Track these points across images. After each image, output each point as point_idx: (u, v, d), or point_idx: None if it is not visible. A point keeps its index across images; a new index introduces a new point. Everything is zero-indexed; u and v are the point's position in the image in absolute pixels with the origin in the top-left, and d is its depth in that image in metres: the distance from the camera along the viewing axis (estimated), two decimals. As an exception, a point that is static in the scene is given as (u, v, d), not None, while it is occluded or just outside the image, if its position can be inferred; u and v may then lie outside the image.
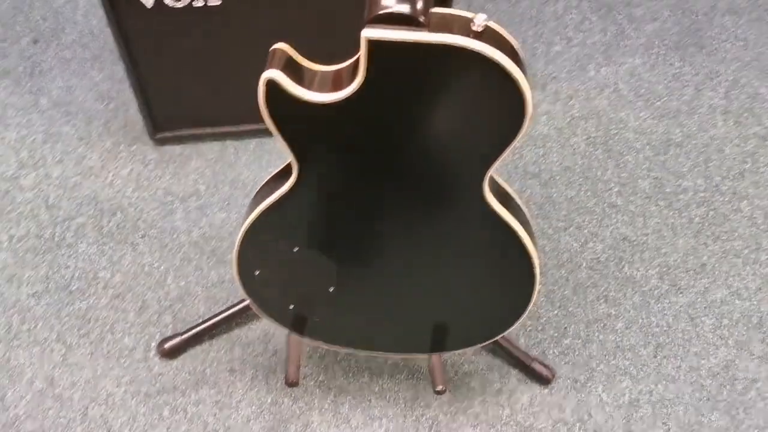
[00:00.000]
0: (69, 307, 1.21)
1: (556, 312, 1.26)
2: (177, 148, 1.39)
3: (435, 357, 1.03)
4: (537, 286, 0.89)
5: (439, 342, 1.00)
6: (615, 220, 1.37)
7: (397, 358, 1.17)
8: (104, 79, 1.46)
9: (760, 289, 1.30)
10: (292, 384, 0.97)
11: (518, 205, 0.88)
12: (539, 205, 1.38)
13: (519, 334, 1.23)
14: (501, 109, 0.71)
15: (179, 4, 1.07)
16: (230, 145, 1.40)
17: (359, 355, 1.11)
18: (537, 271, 0.87)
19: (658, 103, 1.55)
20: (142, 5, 1.06)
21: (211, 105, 1.31)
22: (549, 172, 1.43)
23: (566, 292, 1.28)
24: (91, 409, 1.11)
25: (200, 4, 1.08)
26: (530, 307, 0.92)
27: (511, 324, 0.95)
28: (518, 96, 0.69)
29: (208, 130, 1.37)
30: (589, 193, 1.40)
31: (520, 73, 0.67)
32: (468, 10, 0.69)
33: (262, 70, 0.71)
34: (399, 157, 0.76)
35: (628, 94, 1.56)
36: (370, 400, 1.14)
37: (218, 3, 1.09)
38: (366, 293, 0.93)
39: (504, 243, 0.84)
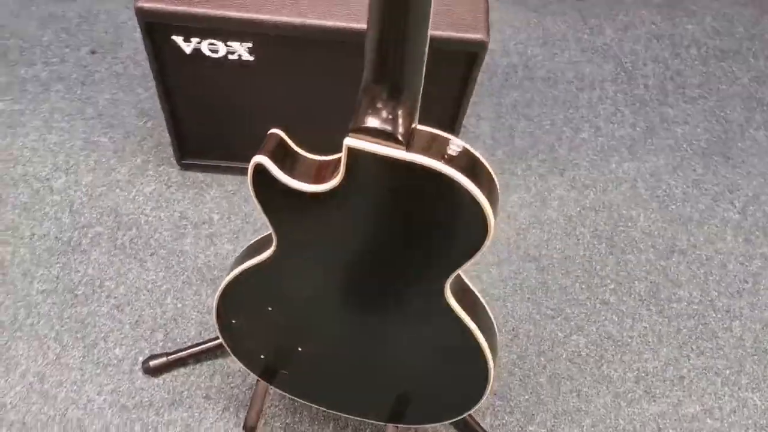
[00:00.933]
0: (71, 310, 1.29)
1: (527, 397, 1.29)
2: (200, 175, 1.47)
3: (391, 427, 1.08)
4: (489, 385, 0.93)
5: (395, 414, 1.05)
6: (603, 317, 1.40)
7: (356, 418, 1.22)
8: (148, 97, 1.56)
9: (734, 411, 1.31)
10: (249, 429, 1.03)
11: (484, 309, 0.92)
12: (532, 289, 1.42)
13: (486, 412, 1.27)
14: (464, 228, 0.75)
15: (215, 55, 1.15)
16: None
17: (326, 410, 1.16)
18: (491, 373, 0.92)
19: (673, 207, 1.57)
20: (182, 51, 1.15)
21: (236, 142, 1.38)
22: (549, 258, 1.46)
23: (541, 380, 1.32)
24: (70, 411, 1.18)
25: (235, 57, 1.16)
26: (482, 401, 0.96)
27: (463, 413, 1.00)
28: (481, 219, 0.73)
29: (232, 163, 1.45)
30: (583, 286, 1.43)
31: (485, 199, 0.72)
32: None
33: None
34: (368, 250, 0.81)
35: (645, 193, 1.59)
36: (329, 451, 1.20)
37: (251, 59, 1.16)
38: (331, 358, 0.99)
39: (461, 341, 0.89)
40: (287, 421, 1.22)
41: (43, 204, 1.40)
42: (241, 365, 1.24)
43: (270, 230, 0.84)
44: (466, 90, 1.26)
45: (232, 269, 0.93)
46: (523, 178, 1.58)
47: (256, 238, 0.95)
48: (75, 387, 1.21)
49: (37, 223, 1.38)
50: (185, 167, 1.46)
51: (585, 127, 1.68)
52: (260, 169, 0.77)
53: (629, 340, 1.38)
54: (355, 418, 1.08)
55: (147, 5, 1.06)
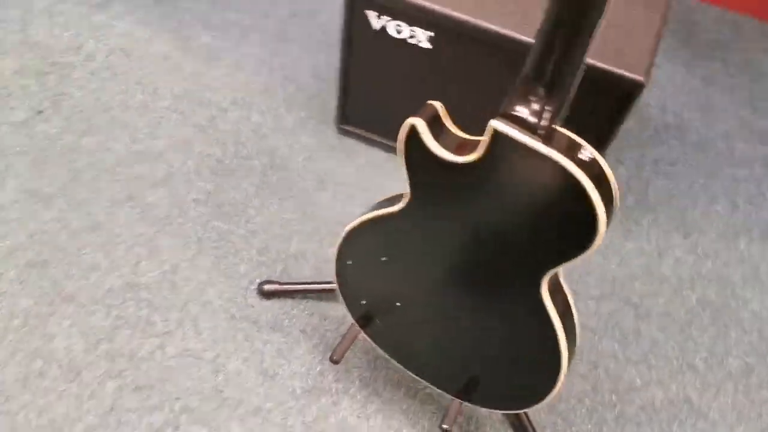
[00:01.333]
0: (214, 222, 1.47)
1: (590, 427, 1.34)
2: (353, 142, 1.62)
3: (456, 404, 1.17)
4: (556, 388, 1.00)
5: (464, 391, 1.14)
6: (687, 379, 1.41)
7: (430, 391, 1.31)
8: (326, 63, 1.73)
9: None
10: (334, 361, 1.15)
11: (572, 315, 0.99)
12: (624, 331, 1.45)
13: (546, 427, 1.32)
14: (575, 230, 0.83)
15: (398, 36, 1.29)
16: (395, 159, 1.60)
17: (402, 369, 1.26)
18: (561, 376, 0.98)
19: (791, 299, 1.56)
20: (371, 25, 1.29)
21: (394, 120, 1.51)
22: (648, 309, 1.49)
23: (608, 416, 1.35)
24: (190, 305, 1.36)
25: (414, 42, 1.29)
26: (544, 402, 1.03)
27: (523, 407, 1.07)
28: (593, 226, 0.80)
29: (384, 139, 1.58)
30: (675, 345, 1.45)
31: (603, 209, 0.80)
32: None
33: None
34: (482, 227, 0.91)
35: (766, 279, 1.58)
36: (394, 412, 1.29)
37: (429, 47, 1.29)
38: (423, 321, 1.09)
39: (543, 337, 0.96)
40: (365, 374, 1.33)
41: (216, 129, 1.60)
42: (340, 311, 1.37)
43: (405, 190, 0.96)
44: (614, 128, 1.33)
45: (363, 214, 1.05)
46: (646, 229, 1.62)
47: (391, 195, 1.07)
48: (200, 286, 1.39)
49: (207, 144, 1.58)
50: (342, 132, 1.61)
51: (722, 200, 1.69)
52: (413, 130, 0.89)
53: (707, 410, 1.38)
54: (428, 385, 1.18)
55: (357, -21, 1.23)
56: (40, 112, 1.57)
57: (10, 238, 1.39)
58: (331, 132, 1.63)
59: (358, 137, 1.61)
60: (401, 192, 1.01)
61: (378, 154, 1.62)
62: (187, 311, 1.35)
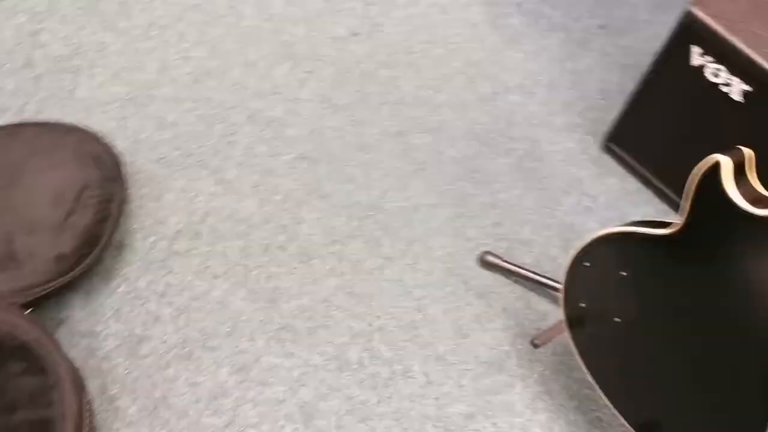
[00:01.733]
0: (462, 183, 1.58)
1: None
2: (612, 163, 1.64)
3: (629, 432, 1.19)
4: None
5: (644, 426, 1.15)
6: None
7: (603, 417, 1.33)
8: (616, 83, 1.75)
9: None
10: (535, 345, 1.21)
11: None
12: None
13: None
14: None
15: (710, 78, 1.29)
16: (646, 193, 1.60)
17: (589, 381, 1.28)
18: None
19: None
20: (687, 59, 1.30)
21: (666, 160, 1.51)
22: None
23: None
24: (416, 243, 1.48)
25: (725, 90, 1.28)
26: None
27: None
28: None
29: (645, 171, 1.58)
30: None
31: None
32: None
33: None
34: (747, 287, 0.91)
35: None
36: (560, 419, 1.32)
37: (740, 100, 1.27)
38: (632, 344, 1.11)
39: (751, 420, 0.96)
40: (546, 372, 1.37)
41: (494, 103, 1.70)
42: (544, 307, 1.43)
43: (677, 219, 0.97)
44: None
45: (617, 227, 1.09)
46: None
47: (653, 219, 1.09)
48: (430, 232, 1.50)
49: (481, 112, 1.68)
50: (606, 149, 1.64)
51: None
52: (715, 167, 0.91)
53: None
54: (606, 403, 1.20)
55: (699, 14, 1.24)
56: (356, 34, 1.75)
57: (296, 129, 1.59)
58: (595, 145, 1.67)
59: (620, 160, 1.63)
60: (661, 218, 1.04)
61: (631, 183, 1.63)
62: (412, 247, 1.47)
